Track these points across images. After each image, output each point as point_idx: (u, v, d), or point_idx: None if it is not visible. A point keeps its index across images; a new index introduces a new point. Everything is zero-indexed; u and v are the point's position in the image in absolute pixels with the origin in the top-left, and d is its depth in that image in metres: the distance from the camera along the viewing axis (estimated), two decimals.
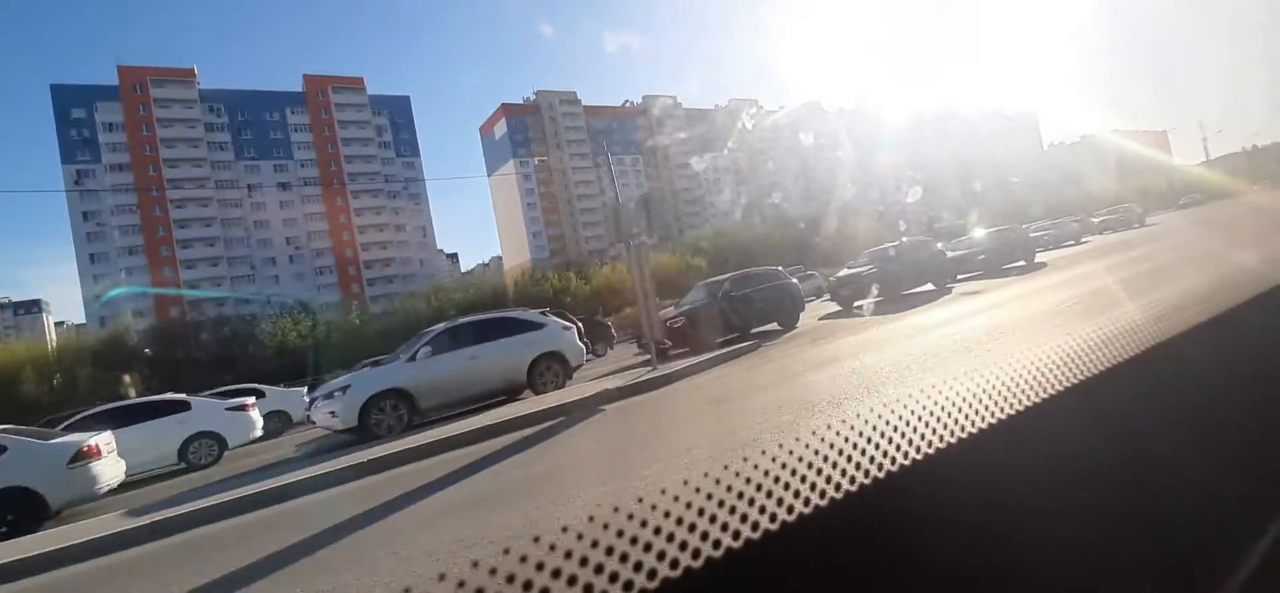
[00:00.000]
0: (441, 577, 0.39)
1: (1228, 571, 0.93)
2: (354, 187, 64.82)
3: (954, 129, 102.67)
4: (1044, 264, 17.08)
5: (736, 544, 0.50)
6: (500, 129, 79.15)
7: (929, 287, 14.21)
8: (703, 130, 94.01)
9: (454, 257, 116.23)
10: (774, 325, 12.58)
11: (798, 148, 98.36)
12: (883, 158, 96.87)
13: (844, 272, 15.08)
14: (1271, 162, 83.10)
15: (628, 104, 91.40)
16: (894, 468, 0.62)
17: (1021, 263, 17.40)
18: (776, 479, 0.55)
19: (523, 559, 0.42)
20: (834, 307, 15.14)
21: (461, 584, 0.39)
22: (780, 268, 14.47)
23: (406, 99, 70.41)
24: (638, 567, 0.45)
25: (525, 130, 78.98)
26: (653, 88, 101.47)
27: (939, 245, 15.89)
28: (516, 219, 78.93)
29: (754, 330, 12.12)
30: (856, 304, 13.75)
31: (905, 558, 0.63)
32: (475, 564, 0.40)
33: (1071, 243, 25.88)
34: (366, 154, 66.20)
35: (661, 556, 0.46)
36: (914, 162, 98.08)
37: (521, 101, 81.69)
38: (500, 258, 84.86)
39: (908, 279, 14.09)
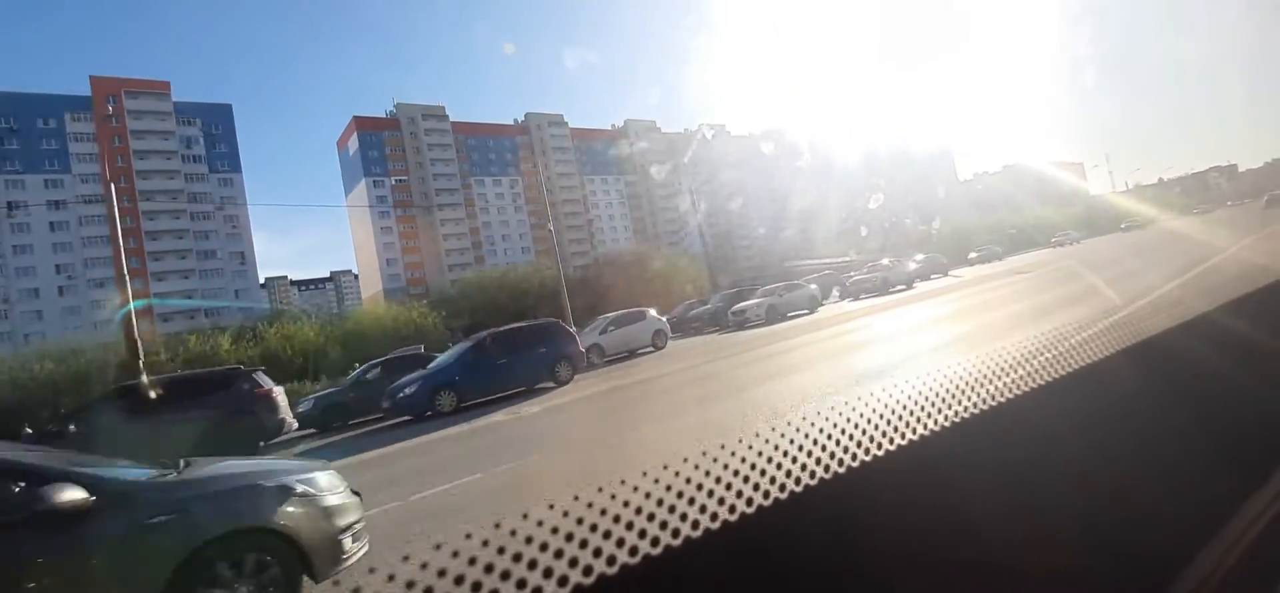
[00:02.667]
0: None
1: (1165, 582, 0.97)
2: (149, 206, 55.90)
3: (863, 158, 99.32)
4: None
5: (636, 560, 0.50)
6: (353, 144, 71.32)
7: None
8: (598, 151, 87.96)
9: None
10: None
11: (699, 172, 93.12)
12: (787, 186, 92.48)
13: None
14: (1178, 193, 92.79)
15: (517, 121, 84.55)
16: (843, 470, 0.65)
17: (550, 386, 11.05)
18: (696, 489, 0.56)
19: (437, 571, 0.41)
20: None
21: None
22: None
23: (227, 108, 61.82)
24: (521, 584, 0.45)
25: (381, 146, 71.28)
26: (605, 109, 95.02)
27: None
28: (370, 245, 70.98)
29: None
30: None
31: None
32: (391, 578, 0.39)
33: (804, 312, 19.84)
34: (168, 169, 57.32)
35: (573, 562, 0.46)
36: (820, 190, 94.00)
37: (385, 114, 74.21)
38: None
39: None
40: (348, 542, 3.13)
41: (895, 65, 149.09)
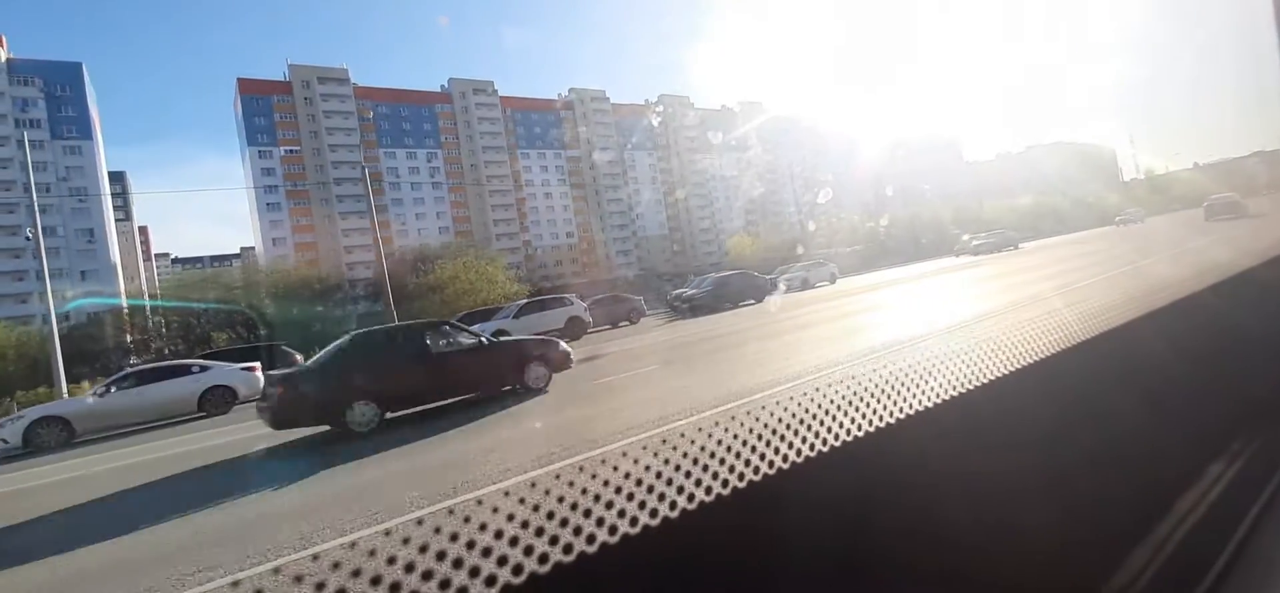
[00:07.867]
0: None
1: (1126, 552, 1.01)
2: None
3: (846, 139, 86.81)
4: None
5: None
6: (240, 110, 64.00)
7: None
8: (537, 124, 78.51)
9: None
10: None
11: (651, 149, 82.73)
12: (751, 169, 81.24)
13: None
14: (1217, 179, 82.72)
15: (442, 89, 75.69)
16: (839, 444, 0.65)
17: None
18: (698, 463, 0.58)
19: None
20: None
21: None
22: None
23: (77, 66, 55.03)
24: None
25: (269, 113, 63.72)
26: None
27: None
28: (258, 223, 64.02)
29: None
30: None
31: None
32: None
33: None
34: None
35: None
36: (788, 174, 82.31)
37: (282, 77, 66.52)
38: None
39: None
40: None
41: (902, 50, 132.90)
